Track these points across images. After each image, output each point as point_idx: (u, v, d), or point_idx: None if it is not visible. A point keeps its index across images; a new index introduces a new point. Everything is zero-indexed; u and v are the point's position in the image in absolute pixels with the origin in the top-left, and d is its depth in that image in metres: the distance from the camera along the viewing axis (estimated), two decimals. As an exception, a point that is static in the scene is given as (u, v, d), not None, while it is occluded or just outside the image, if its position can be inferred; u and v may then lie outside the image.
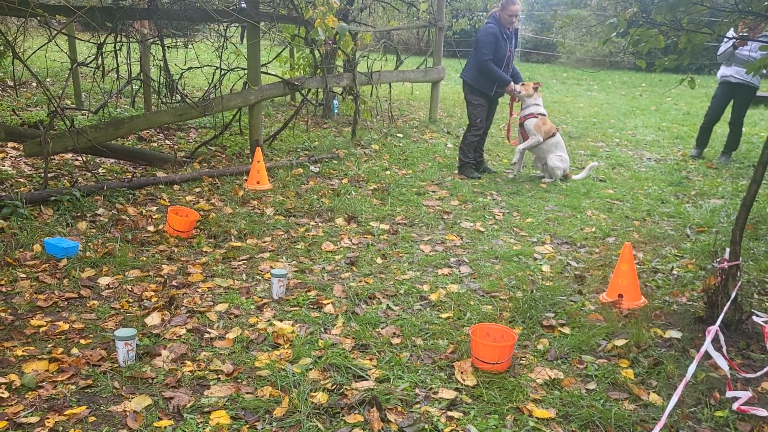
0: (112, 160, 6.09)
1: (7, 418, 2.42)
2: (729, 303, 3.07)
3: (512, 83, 6.30)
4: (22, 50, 6.16)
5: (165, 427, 2.42)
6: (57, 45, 5.66)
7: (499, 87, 6.30)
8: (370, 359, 2.96)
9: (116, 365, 2.82)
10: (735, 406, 2.61)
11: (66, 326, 3.14)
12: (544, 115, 6.32)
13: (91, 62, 6.19)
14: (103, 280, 3.67)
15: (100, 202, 4.86)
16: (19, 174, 5.50)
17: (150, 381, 2.72)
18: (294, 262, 4.12)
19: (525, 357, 3.03)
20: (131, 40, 7.14)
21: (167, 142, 7.13)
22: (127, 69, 7.28)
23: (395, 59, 9.24)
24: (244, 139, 7.14)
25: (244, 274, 3.90)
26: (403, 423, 2.49)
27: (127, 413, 2.48)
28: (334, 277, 3.92)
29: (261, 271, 3.95)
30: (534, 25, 21.60)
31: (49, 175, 5.25)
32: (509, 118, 6.76)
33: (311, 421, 2.47)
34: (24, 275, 3.66)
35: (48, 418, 2.43)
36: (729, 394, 2.67)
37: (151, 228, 4.51)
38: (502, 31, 6.16)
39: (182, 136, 7.54)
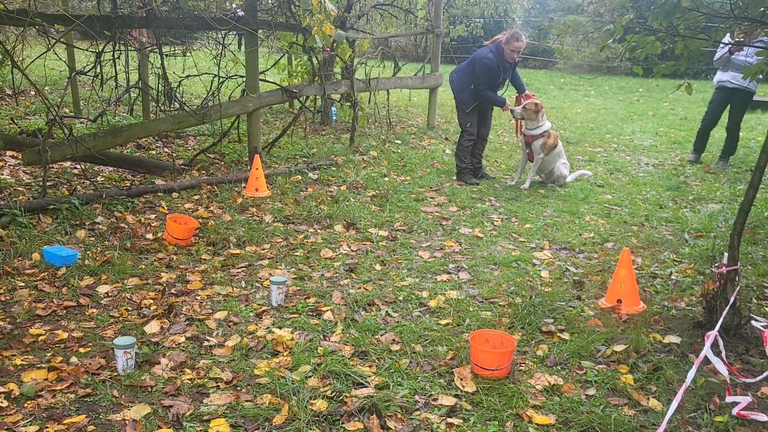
0: (111, 168, 6.10)
1: (6, 427, 2.42)
2: (728, 308, 3.08)
3: (507, 102, 6.34)
4: (20, 59, 6.17)
5: (164, 436, 2.42)
6: (56, 54, 5.67)
7: (497, 105, 6.40)
8: (370, 366, 2.96)
9: (115, 374, 2.81)
10: (735, 411, 2.61)
11: (65, 335, 3.13)
12: (548, 130, 6.31)
13: (89, 71, 6.21)
14: (102, 289, 3.67)
15: (98, 210, 4.86)
16: (17, 183, 5.50)
17: (149, 389, 2.72)
18: (293, 269, 4.12)
19: (524, 363, 3.03)
20: (130, 48, 7.16)
21: (166, 149, 7.14)
22: (126, 77, 7.30)
23: (393, 66, 9.27)
24: (243, 146, 7.15)
25: (243, 282, 3.90)
26: (402, 430, 2.49)
27: (127, 422, 2.48)
28: (333, 284, 3.92)
29: (260, 278, 3.95)
30: (531, 31, 21.65)
31: (48, 183, 5.25)
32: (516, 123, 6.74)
33: (311, 429, 2.47)
34: (23, 284, 3.66)
35: (47, 427, 2.43)
36: (729, 399, 2.67)
37: (150, 236, 4.51)
38: (501, 63, 6.15)
39: (181, 144, 7.55)
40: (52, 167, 5.82)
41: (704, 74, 16.52)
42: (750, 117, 10.31)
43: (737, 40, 6.02)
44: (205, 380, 2.80)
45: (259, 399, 2.66)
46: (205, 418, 2.53)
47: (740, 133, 7.58)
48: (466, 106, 6.42)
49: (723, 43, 4.50)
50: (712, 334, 2.60)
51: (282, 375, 2.84)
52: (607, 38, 3.64)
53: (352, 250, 4.49)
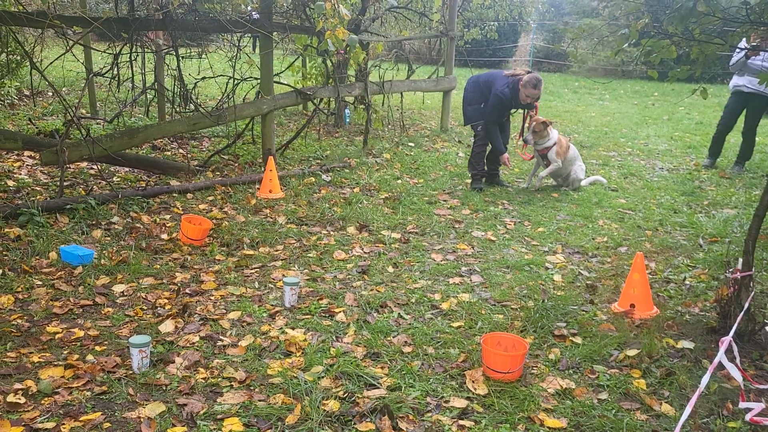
0: (127, 169, 6.16)
1: (23, 423, 2.45)
2: (742, 313, 3.06)
3: (506, 156, 6.25)
4: (39, 60, 6.25)
5: (178, 434, 2.44)
6: (73, 55, 5.74)
7: (496, 149, 6.28)
8: (382, 368, 2.97)
9: (131, 372, 2.85)
10: (748, 417, 2.60)
11: (81, 333, 3.17)
12: (557, 139, 6.27)
13: (106, 72, 6.28)
14: (118, 288, 3.72)
15: (114, 210, 4.92)
16: (35, 182, 5.57)
17: (164, 388, 2.75)
18: (306, 270, 4.14)
19: (536, 366, 3.03)
20: (146, 50, 7.23)
21: (181, 151, 7.20)
22: (142, 79, 7.36)
23: (407, 69, 9.28)
24: (257, 148, 7.19)
25: (256, 282, 3.93)
26: (414, 431, 2.50)
27: (142, 420, 2.51)
28: (345, 285, 3.94)
29: (273, 279, 3.98)
30: (545, 34, 21.60)
31: (65, 183, 5.32)
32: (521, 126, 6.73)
33: (323, 429, 2.49)
34: (40, 282, 3.71)
35: (64, 424, 2.46)
36: (742, 405, 2.66)
37: (164, 236, 4.55)
38: (514, 100, 6.04)
39: (195, 145, 7.61)
40: (69, 167, 5.89)
41: (720, 78, 16.39)
42: (766, 122, 10.20)
43: (753, 44, 5.98)
44: (219, 379, 2.83)
45: (272, 399, 2.69)
46: (219, 416, 2.56)
47: (756, 138, 7.52)
48: (466, 120, 6.40)
49: (739, 47, 4.47)
50: (727, 340, 2.59)
51: (295, 375, 2.86)
52: (622, 42, 3.63)
53: (365, 252, 4.50)
